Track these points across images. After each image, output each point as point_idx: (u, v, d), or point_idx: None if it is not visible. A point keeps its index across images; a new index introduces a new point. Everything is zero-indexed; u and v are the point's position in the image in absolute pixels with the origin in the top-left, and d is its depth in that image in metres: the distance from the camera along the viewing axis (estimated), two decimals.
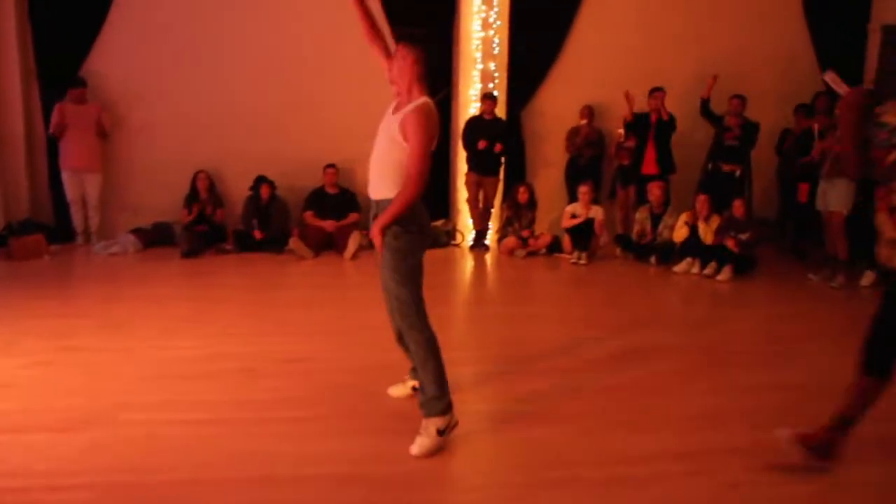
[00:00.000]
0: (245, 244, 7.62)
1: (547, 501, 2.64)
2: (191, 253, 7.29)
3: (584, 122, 8.40)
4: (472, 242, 8.35)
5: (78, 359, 4.20)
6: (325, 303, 5.74)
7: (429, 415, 2.99)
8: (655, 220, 7.62)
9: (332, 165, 8.13)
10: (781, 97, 8.51)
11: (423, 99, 2.96)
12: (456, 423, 3.04)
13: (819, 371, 4.18)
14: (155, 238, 7.78)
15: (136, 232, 7.71)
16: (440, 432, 2.95)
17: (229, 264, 7.16)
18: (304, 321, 5.14)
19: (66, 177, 7.68)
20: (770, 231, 8.35)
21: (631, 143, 8.10)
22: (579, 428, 3.32)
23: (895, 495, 2.79)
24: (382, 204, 3.00)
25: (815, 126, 7.17)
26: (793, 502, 2.68)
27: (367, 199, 3.16)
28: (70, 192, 7.73)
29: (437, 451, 2.94)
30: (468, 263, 7.77)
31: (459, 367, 3.75)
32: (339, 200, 8.11)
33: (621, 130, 8.22)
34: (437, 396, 3.00)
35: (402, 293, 2.98)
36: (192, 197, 7.90)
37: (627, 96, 7.94)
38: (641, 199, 7.92)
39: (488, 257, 8.02)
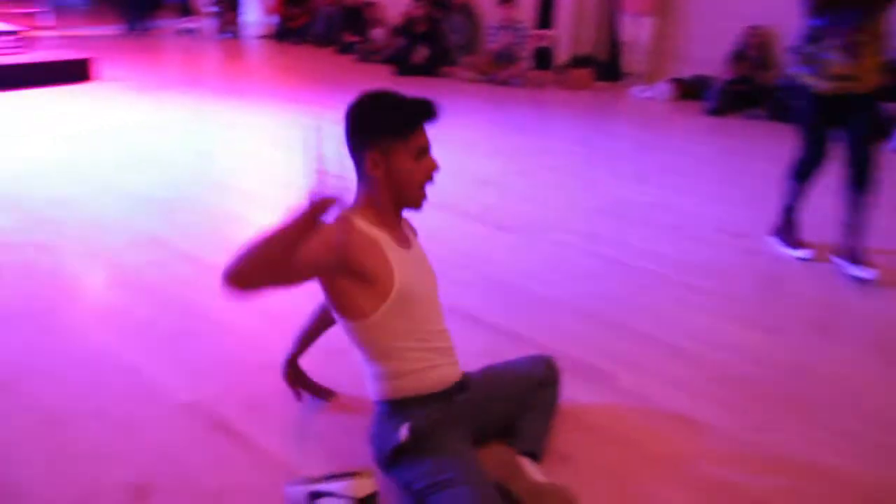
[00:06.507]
0: (778, 113, 6.93)
1: None
2: (715, 111, 7.00)
3: None
4: None
5: (541, 177, 4.69)
6: None
7: None
8: None
9: None
10: None
11: None
12: None
13: None
14: (689, 90, 7.68)
15: (674, 81, 7.72)
16: None
17: (754, 132, 6.62)
18: None
19: (623, 18, 8.05)
20: None
21: None
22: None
23: None
24: None
25: None
26: None
27: None
28: (625, 33, 8.09)
29: None
30: None
31: None
32: None
33: None
34: None
35: None
36: (740, 54, 7.43)
37: None
38: None
39: None
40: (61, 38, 8.27)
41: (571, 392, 2.17)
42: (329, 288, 1.72)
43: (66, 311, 2.73)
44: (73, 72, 7.19)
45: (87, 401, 2.16)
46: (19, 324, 2.61)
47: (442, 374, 1.82)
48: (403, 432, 1.69)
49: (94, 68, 7.33)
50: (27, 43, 7.55)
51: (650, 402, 2.25)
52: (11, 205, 3.75)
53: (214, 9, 11.59)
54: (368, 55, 9.34)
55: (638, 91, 7.74)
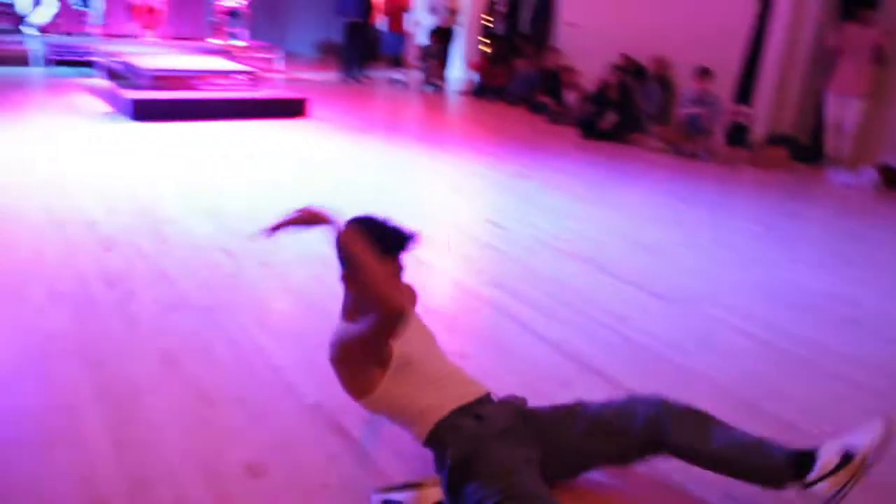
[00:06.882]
0: None
1: None
2: None
3: None
4: None
5: (708, 251, 4.54)
6: None
7: None
8: None
9: None
10: None
11: None
12: None
13: None
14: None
15: (882, 168, 7.09)
16: None
17: None
18: None
19: (829, 98, 7.51)
20: None
21: None
22: None
23: None
24: None
25: None
26: None
27: None
28: (830, 114, 7.56)
29: None
30: None
31: None
32: None
33: None
34: None
35: None
36: None
37: None
38: None
39: None
40: (287, 79, 9.30)
41: (701, 475, 2.07)
42: (347, 367, 1.87)
43: (234, 309, 3.07)
44: (290, 109, 8.06)
45: (233, 387, 2.43)
46: (193, 313, 2.98)
47: (456, 393, 1.88)
48: (448, 462, 1.75)
49: (308, 107, 8.16)
50: (259, 81, 8.58)
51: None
52: (213, 215, 4.28)
53: (422, 63, 12.45)
54: (558, 117, 9.52)
55: (838, 176, 7.19)
